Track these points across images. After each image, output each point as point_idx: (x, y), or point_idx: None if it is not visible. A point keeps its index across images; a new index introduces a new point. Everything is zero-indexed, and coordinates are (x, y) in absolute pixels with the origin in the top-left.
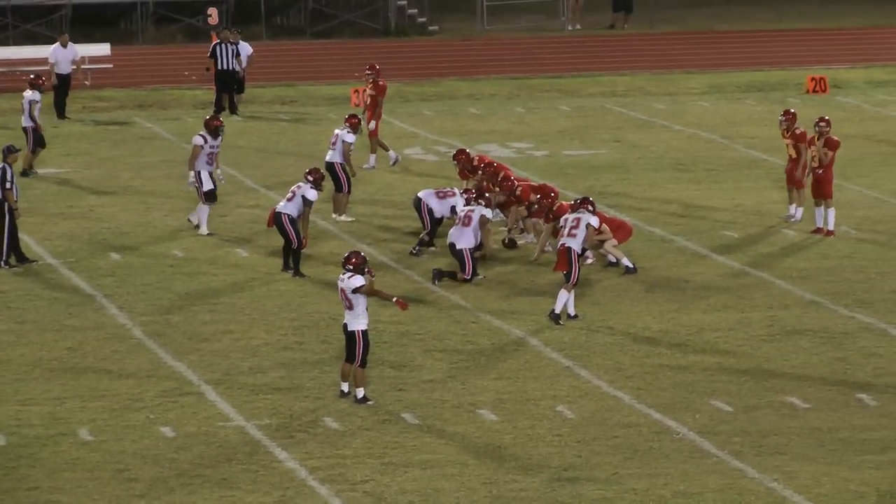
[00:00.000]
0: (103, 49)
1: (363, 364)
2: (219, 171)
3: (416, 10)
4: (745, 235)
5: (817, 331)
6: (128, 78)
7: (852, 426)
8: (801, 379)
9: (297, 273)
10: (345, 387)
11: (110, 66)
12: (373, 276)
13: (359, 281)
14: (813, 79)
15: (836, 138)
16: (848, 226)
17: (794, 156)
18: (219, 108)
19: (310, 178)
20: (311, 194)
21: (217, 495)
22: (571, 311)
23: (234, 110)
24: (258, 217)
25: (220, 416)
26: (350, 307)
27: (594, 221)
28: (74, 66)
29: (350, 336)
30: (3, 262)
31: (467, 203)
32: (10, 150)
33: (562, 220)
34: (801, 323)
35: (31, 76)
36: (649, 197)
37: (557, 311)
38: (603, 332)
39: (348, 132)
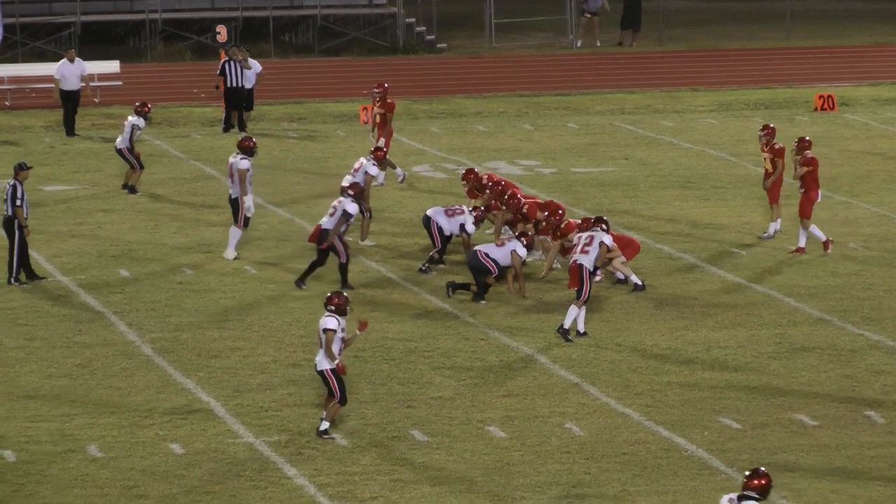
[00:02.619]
0: (112, 66)
1: (342, 401)
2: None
3: (424, 28)
4: (753, 253)
5: (825, 348)
6: (137, 95)
7: (860, 443)
8: (809, 396)
9: (346, 285)
10: (323, 425)
11: (119, 83)
12: (361, 329)
13: (330, 323)
14: (821, 96)
15: (811, 157)
16: (856, 243)
17: (770, 170)
18: (228, 126)
19: (350, 192)
20: (352, 208)
21: None
22: (581, 328)
23: (242, 127)
24: (266, 234)
25: (229, 432)
26: (322, 346)
27: (608, 240)
28: (84, 84)
29: (320, 375)
30: (13, 279)
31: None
32: (20, 168)
33: (575, 237)
34: (810, 340)
35: (137, 104)
36: (657, 214)
37: (567, 326)
38: (611, 349)
39: (373, 164)
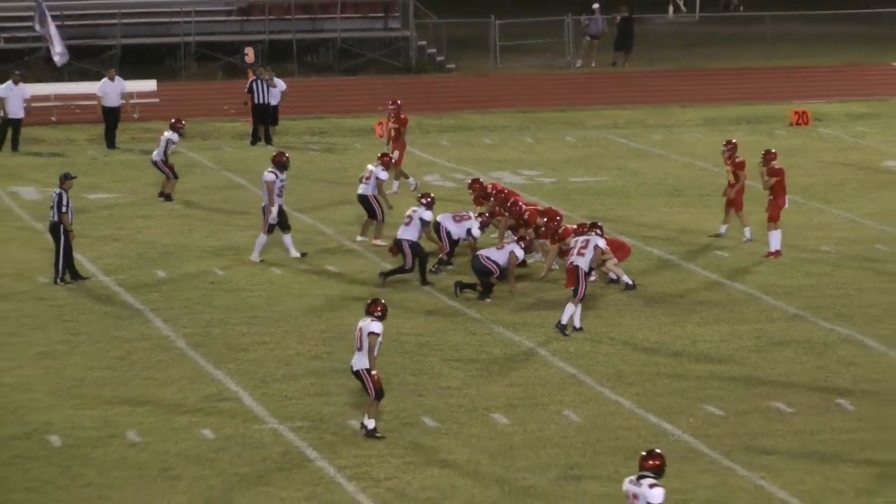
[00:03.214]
0: (150, 85)
1: (378, 397)
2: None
3: (434, 50)
4: (735, 255)
5: (801, 342)
6: (172, 111)
7: (832, 429)
8: (786, 386)
9: (425, 282)
10: (367, 422)
11: (156, 100)
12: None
13: (377, 327)
14: (797, 112)
15: (778, 167)
16: (828, 246)
17: (734, 181)
18: (255, 139)
19: (423, 201)
20: (427, 215)
21: (253, 492)
22: (577, 324)
23: (269, 141)
24: (291, 238)
25: (257, 419)
26: (360, 348)
27: (602, 244)
28: (124, 101)
29: (356, 375)
30: (59, 279)
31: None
32: (66, 177)
33: (572, 241)
34: (786, 335)
35: (172, 120)
36: (647, 220)
37: (564, 321)
38: (605, 343)
39: (382, 169)
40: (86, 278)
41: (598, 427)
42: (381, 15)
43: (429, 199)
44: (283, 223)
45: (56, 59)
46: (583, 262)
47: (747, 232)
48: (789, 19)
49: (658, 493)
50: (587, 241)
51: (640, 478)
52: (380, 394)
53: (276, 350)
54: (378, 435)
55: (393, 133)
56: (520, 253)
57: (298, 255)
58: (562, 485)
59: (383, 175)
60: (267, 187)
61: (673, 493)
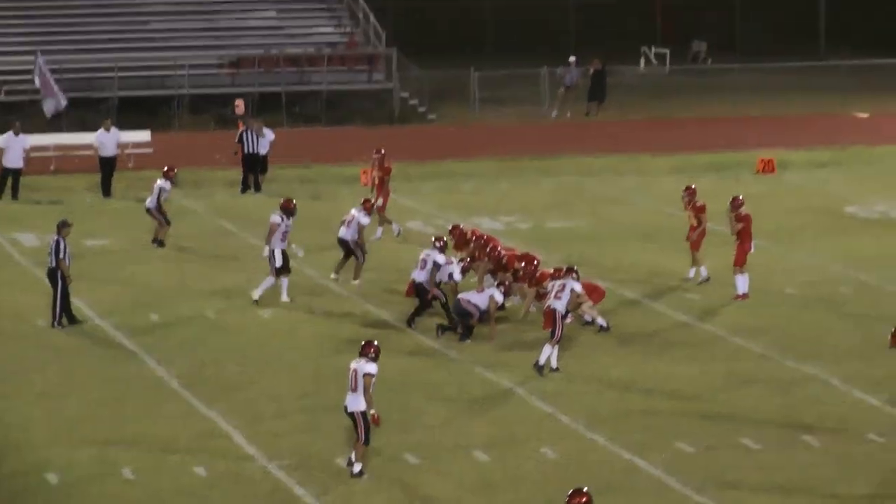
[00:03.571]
0: (144, 135)
1: (367, 441)
2: (293, 246)
3: (416, 101)
4: (705, 297)
5: (768, 380)
6: (165, 160)
7: (798, 464)
8: (754, 422)
9: (438, 326)
10: (356, 467)
11: (150, 150)
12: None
13: (372, 368)
14: (762, 160)
15: (744, 213)
16: (793, 288)
17: (696, 225)
18: (245, 187)
19: (437, 244)
20: (441, 258)
21: None
22: (554, 364)
23: (258, 188)
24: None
25: (247, 457)
26: (355, 389)
27: (578, 288)
28: (119, 150)
29: (350, 417)
30: (56, 323)
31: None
32: (63, 224)
33: (549, 284)
34: (754, 373)
35: (165, 168)
36: (620, 263)
37: (542, 362)
38: (580, 382)
39: (364, 215)
40: (82, 321)
41: (574, 463)
42: (366, 68)
43: (442, 243)
44: (283, 267)
45: (45, 109)
46: (560, 305)
47: (703, 271)
48: (755, 71)
49: None
50: (564, 284)
51: None
52: (368, 439)
53: (267, 389)
54: (364, 477)
55: (377, 180)
56: (499, 297)
57: (288, 299)
58: None
59: (365, 220)
60: (270, 228)
61: None
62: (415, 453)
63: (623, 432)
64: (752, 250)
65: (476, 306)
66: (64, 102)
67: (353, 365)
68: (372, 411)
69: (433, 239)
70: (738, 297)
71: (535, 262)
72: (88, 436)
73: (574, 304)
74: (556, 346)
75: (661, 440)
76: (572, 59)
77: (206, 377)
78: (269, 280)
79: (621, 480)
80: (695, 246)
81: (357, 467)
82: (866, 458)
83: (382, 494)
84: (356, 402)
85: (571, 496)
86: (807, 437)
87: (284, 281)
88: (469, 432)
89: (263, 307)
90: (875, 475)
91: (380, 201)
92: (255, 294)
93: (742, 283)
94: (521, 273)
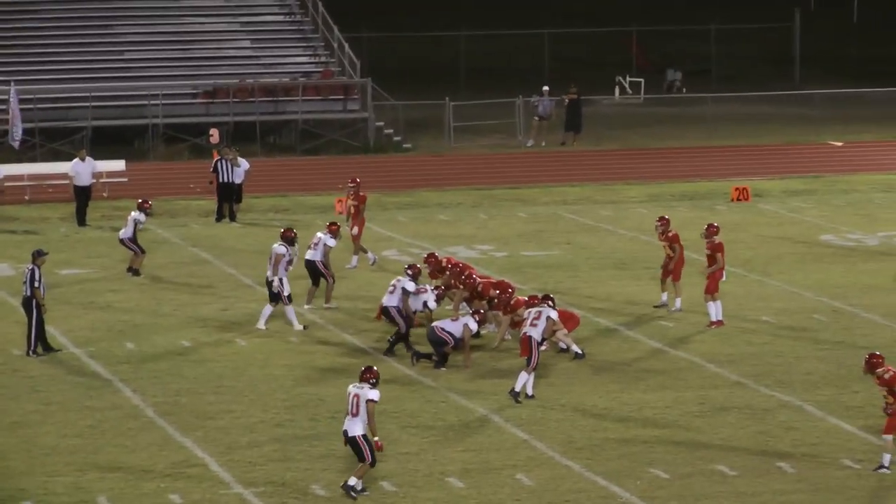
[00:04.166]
0: (119, 165)
1: (373, 463)
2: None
3: (392, 130)
4: (679, 325)
5: (742, 407)
6: (141, 190)
7: (773, 490)
8: (728, 449)
9: (417, 355)
10: (356, 482)
11: (125, 179)
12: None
13: (375, 395)
14: (737, 188)
15: (718, 241)
16: (768, 316)
17: (671, 254)
18: (220, 216)
19: (409, 272)
20: (410, 286)
21: None
22: (530, 392)
23: (233, 218)
24: (255, 311)
25: (222, 484)
26: (355, 414)
27: (554, 315)
28: (95, 180)
29: (352, 441)
30: (31, 352)
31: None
32: (38, 254)
33: (525, 312)
34: (729, 401)
35: (140, 201)
36: (596, 292)
37: (517, 389)
38: (556, 410)
39: (331, 237)
40: (57, 350)
41: (549, 490)
42: (341, 97)
43: (415, 271)
44: (275, 295)
45: (13, 141)
46: (535, 333)
47: (678, 302)
48: (729, 100)
49: None
50: (539, 312)
51: None
52: (374, 460)
53: (241, 418)
54: (354, 496)
55: (352, 210)
56: (473, 326)
57: (265, 328)
58: None
59: (331, 242)
60: (276, 259)
61: None
62: (390, 481)
63: (598, 459)
64: (724, 278)
65: (451, 334)
66: (17, 137)
67: (352, 390)
68: (375, 438)
69: (406, 267)
70: (712, 324)
71: (510, 290)
72: (64, 464)
73: (549, 332)
74: (533, 374)
75: (636, 467)
76: (545, 88)
77: (181, 406)
78: (290, 309)
79: None
80: (675, 276)
81: (353, 481)
82: (841, 485)
83: None
84: (355, 427)
85: None
86: (781, 463)
87: (269, 309)
88: (444, 459)
89: (238, 336)
90: (849, 501)
91: (355, 230)
92: (296, 325)
93: (714, 310)
94: (496, 301)
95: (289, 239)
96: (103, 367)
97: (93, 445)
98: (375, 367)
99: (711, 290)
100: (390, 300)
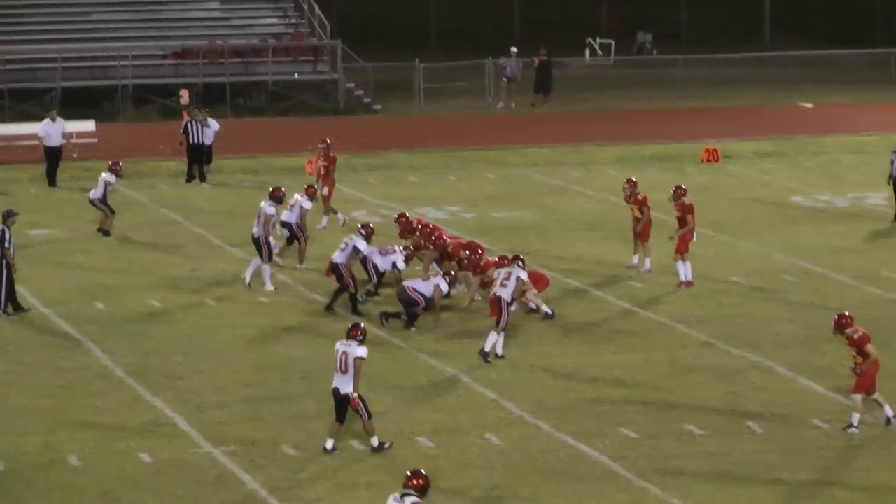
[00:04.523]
0: (89, 126)
1: (369, 416)
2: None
3: (362, 92)
4: (649, 286)
5: (712, 368)
6: (110, 151)
7: (742, 451)
8: (698, 410)
9: (355, 311)
10: (329, 443)
11: (95, 140)
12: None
13: (363, 352)
14: (707, 150)
15: (688, 203)
16: (738, 277)
17: (639, 216)
18: (190, 177)
19: (362, 231)
20: (362, 245)
21: None
22: (500, 352)
23: (203, 179)
24: (225, 271)
25: (192, 444)
26: (345, 371)
27: (524, 276)
28: (65, 141)
29: (343, 398)
30: (1, 311)
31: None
32: (8, 214)
33: (494, 273)
34: (698, 361)
35: (111, 162)
36: (565, 253)
37: (487, 349)
38: (525, 370)
39: (307, 199)
40: (27, 310)
41: (518, 450)
42: (311, 59)
43: (368, 230)
44: (271, 254)
45: None
46: (505, 293)
47: (647, 263)
48: (699, 62)
49: None
50: (509, 273)
51: (403, 496)
52: (369, 413)
53: (211, 378)
54: (386, 446)
55: (323, 171)
56: (444, 287)
57: (273, 289)
58: None
59: (308, 205)
60: (265, 219)
61: None
62: (359, 440)
63: (568, 420)
64: (695, 239)
65: (421, 294)
66: None
67: (340, 347)
68: (354, 394)
69: (359, 226)
70: (681, 284)
71: (480, 251)
72: (35, 424)
73: (519, 293)
74: (502, 334)
75: (605, 427)
76: (513, 50)
77: (151, 366)
78: (266, 267)
79: (566, 467)
80: (643, 237)
81: (375, 441)
82: (810, 445)
83: (327, 481)
84: (347, 385)
85: (409, 478)
86: (751, 423)
87: (268, 267)
88: (413, 419)
89: (208, 296)
90: (818, 461)
91: (325, 191)
92: (268, 287)
93: (683, 270)
94: (465, 262)
95: (277, 198)
96: (73, 328)
97: (63, 405)
98: (363, 324)
99: (681, 251)
100: (340, 257)
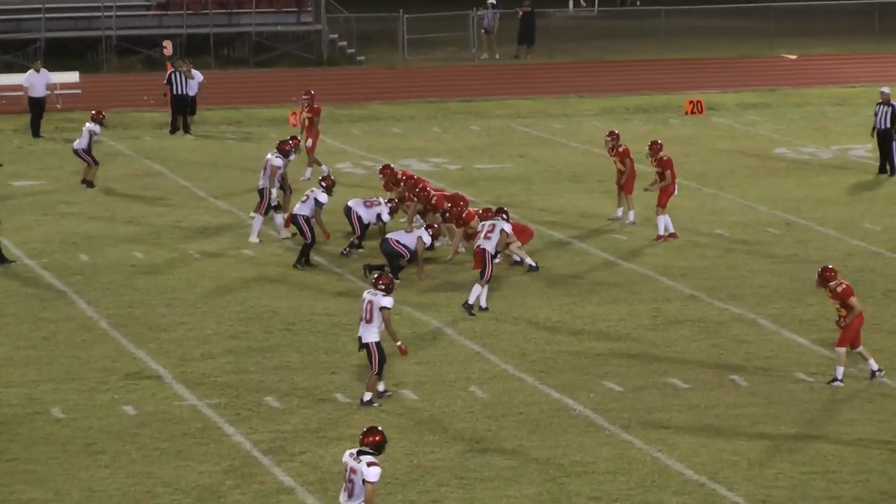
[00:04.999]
0: (73, 77)
1: (379, 373)
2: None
3: (345, 43)
4: (632, 238)
5: (695, 321)
6: (94, 102)
7: (726, 404)
8: (681, 363)
9: (307, 263)
10: (380, 385)
11: (79, 91)
12: (403, 353)
13: (388, 302)
14: (691, 102)
15: (665, 158)
16: (721, 229)
17: (622, 168)
18: (174, 128)
19: (323, 184)
20: (323, 197)
21: (173, 465)
22: (483, 304)
23: (187, 130)
24: (209, 223)
25: (176, 396)
26: (369, 320)
27: (508, 228)
28: (49, 91)
29: (366, 346)
30: None
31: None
32: None
33: (478, 225)
34: (682, 314)
35: (94, 112)
36: (549, 205)
37: (471, 301)
38: (509, 322)
39: (323, 192)
40: (11, 262)
41: (502, 403)
42: (294, 10)
43: (329, 183)
44: (278, 205)
45: None
46: (489, 246)
47: (631, 215)
48: (683, 14)
49: (374, 472)
50: (493, 225)
51: (360, 453)
52: (382, 369)
53: (195, 330)
54: (376, 404)
55: (307, 122)
56: (427, 239)
57: (289, 235)
58: (468, 458)
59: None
60: (271, 171)
61: (574, 465)
62: (344, 393)
63: (551, 372)
64: (676, 192)
65: (405, 247)
66: None
67: (366, 296)
68: (398, 343)
69: (320, 179)
70: (658, 237)
71: (462, 203)
72: (18, 376)
73: (503, 245)
74: (486, 286)
75: (589, 380)
76: (490, 1)
77: (135, 318)
78: (259, 219)
79: (549, 419)
80: (626, 189)
81: (367, 396)
82: (793, 398)
83: (311, 434)
84: (369, 333)
85: (364, 435)
86: (734, 376)
87: (279, 217)
88: (397, 372)
89: (191, 248)
90: (802, 414)
91: (309, 142)
92: (253, 238)
93: (663, 223)
94: (449, 214)
95: (285, 151)
96: (57, 279)
97: (46, 357)
98: (389, 274)
99: (662, 204)
100: (301, 209)
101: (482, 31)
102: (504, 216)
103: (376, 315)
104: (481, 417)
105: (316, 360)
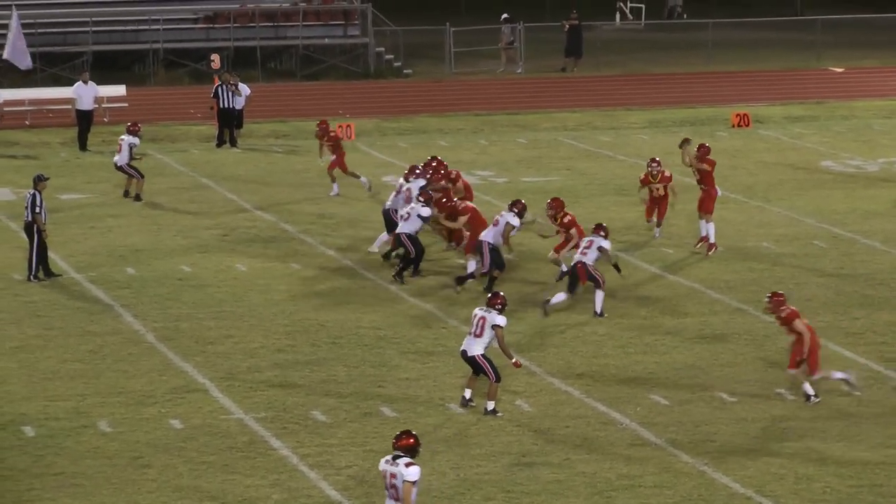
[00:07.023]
0: (120, 90)
1: (498, 379)
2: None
3: (392, 56)
4: (680, 251)
5: (742, 334)
6: (141, 115)
7: (773, 417)
8: (728, 376)
9: (399, 276)
10: (467, 393)
11: (126, 104)
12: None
13: (502, 320)
14: (737, 114)
15: (710, 158)
16: (768, 242)
17: (670, 195)
18: (220, 142)
19: (421, 199)
20: (425, 212)
21: (220, 479)
22: (598, 309)
23: (233, 143)
24: (255, 236)
25: (223, 410)
26: (479, 335)
27: (606, 245)
28: (97, 105)
29: (471, 361)
30: (32, 276)
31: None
32: (39, 179)
33: (580, 240)
34: (729, 327)
35: (129, 124)
36: (596, 218)
37: (598, 310)
38: (556, 336)
39: (425, 206)
40: (58, 275)
41: (549, 416)
42: (342, 23)
43: (427, 196)
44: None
45: (22, 64)
46: (588, 260)
47: (656, 232)
48: (730, 26)
49: (413, 472)
50: (591, 241)
51: (395, 458)
52: (499, 376)
53: (242, 343)
54: (499, 414)
55: (329, 149)
56: (515, 222)
57: (377, 250)
58: (515, 472)
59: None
60: (406, 195)
61: (621, 479)
62: (390, 407)
63: (598, 385)
64: (720, 193)
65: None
66: (27, 61)
67: (479, 312)
68: (514, 359)
69: (418, 195)
70: (700, 240)
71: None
72: (65, 389)
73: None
74: (600, 293)
75: (635, 393)
76: (505, 16)
77: (181, 331)
78: (384, 236)
79: (596, 433)
80: (660, 213)
81: (490, 405)
82: (840, 411)
83: (357, 448)
84: (474, 347)
85: (397, 439)
86: (781, 390)
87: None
88: (444, 386)
89: (238, 261)
90: (849, 428)
91: (331, 158)
92: (374, 247)
93: (705, 229)
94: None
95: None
96: (104, 293)
97: (93, 370)
98: (503, 293)
99: (709, 210)
100: (403, 227)
101: (502, 43)
102: (602, 233)
103: (487, 331)
104: (527, 431)
105: (363, 374)
